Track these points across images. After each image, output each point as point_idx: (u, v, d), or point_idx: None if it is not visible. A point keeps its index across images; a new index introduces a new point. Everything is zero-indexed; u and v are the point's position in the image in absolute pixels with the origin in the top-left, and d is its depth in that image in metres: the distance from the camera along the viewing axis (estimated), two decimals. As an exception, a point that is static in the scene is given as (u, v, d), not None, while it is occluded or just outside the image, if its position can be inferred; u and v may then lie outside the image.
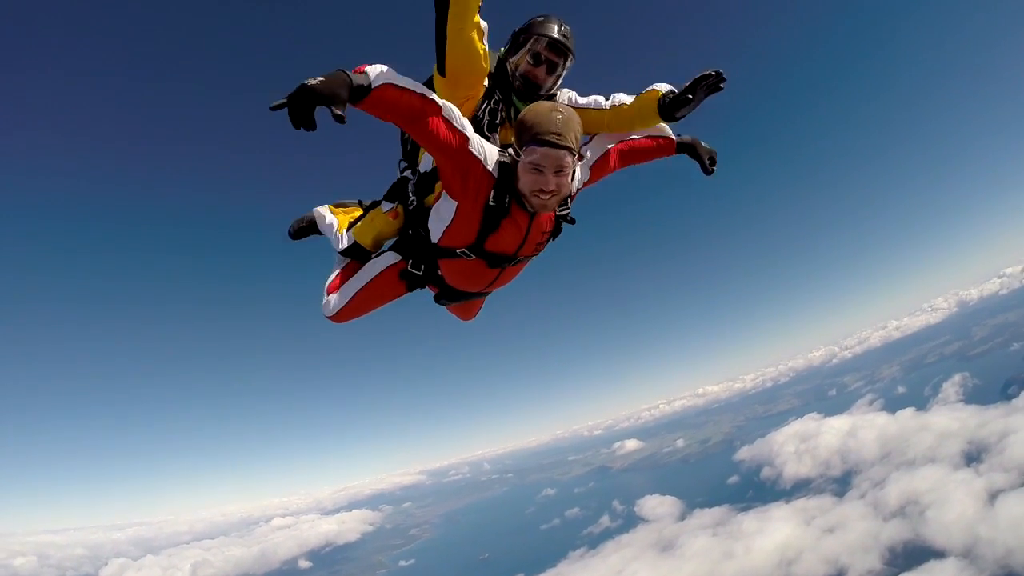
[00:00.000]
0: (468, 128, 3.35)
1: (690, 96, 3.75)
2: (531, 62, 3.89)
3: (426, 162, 4.03)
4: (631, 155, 4.18)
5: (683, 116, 3.89)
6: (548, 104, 3.34)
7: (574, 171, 3.52)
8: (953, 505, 64.40)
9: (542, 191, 3.30)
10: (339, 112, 2.75)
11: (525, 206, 3.45)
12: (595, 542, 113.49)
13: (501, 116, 3.98)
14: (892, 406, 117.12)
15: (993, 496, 62.99)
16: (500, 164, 3.42)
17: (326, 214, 4.69)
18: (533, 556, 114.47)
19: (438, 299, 4.23)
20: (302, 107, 2.68)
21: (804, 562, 70.36)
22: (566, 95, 4.24)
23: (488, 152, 3.41)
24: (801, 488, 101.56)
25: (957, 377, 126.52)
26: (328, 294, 4.29)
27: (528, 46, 3.87)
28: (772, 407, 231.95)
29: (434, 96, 3.28)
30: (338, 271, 4.40)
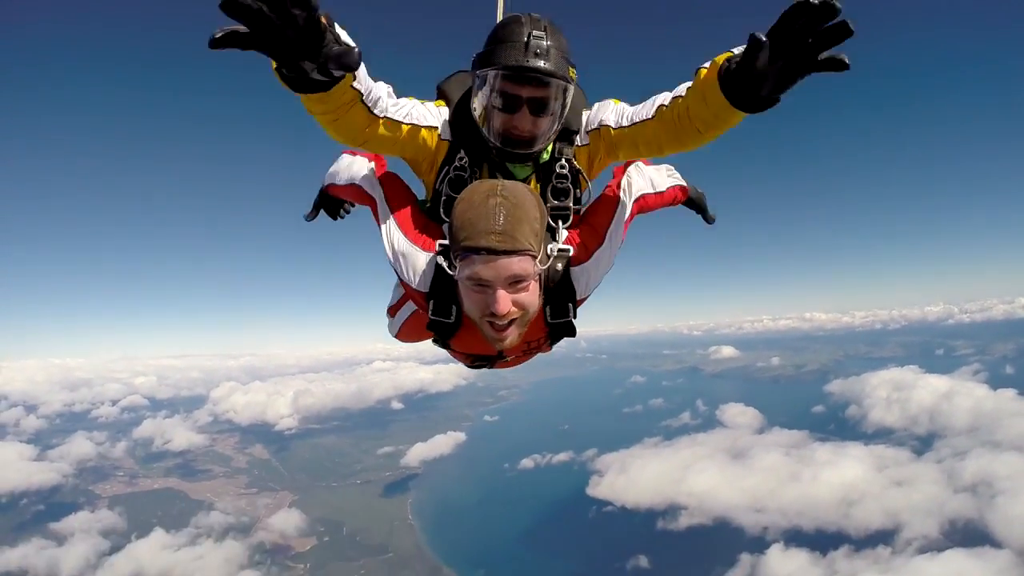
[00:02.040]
0: (392, 236, 2.60)
1: (761, 60, 1.71)
2: (500, 107, 2.42)
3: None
4: (647, 211, 3.19)
5: (771, 94, 1.80)
6: (484, 186, 2.22)
7: (546, 274, 2.37)
8: (1026, 500, 62.15)
9: (494, 317, 2.19)
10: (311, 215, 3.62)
11: None
12: (671, 434, 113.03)
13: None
14: (996, 383, 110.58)
15: (1072, 503, 60.46)
16: (437, 271, 2.41)
17: None
18: (610, 435, 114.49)
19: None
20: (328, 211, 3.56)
21: (864, 506, 70.22)
22: (607, 112, 2.73)
23: (409, 261, 2.53)
24: (882, 435, 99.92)
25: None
26: (389, 316, 3.59)
27: (487, 87, 2.44)
28: (875, 350, 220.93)
29: (369, 189, 2.84)
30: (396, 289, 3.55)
